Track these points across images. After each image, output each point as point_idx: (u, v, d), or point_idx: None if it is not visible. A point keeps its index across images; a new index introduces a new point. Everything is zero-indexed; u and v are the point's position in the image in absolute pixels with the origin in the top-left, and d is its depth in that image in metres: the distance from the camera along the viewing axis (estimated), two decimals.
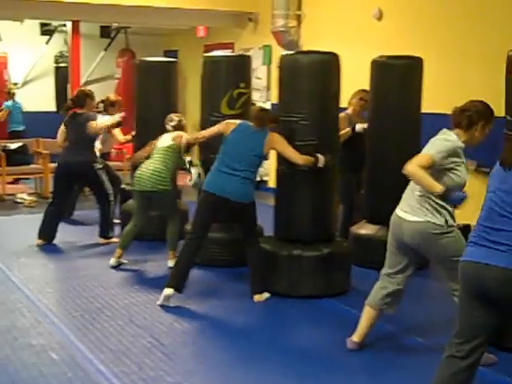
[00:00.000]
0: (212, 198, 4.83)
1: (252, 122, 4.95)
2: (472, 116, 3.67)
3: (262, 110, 5.16)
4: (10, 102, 10.72)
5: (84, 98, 6.52)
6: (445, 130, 3.75)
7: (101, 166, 6.56)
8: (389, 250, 4.00)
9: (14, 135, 10.26)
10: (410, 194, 3.81)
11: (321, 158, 4.90)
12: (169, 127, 5.88)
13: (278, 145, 4.89)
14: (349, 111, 6.33)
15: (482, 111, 3.70)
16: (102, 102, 7.69)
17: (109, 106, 7.49)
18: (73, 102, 6.59)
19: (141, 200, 5.78)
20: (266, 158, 4.99)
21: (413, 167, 3.58)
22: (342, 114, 6.20)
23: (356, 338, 4.07)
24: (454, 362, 2.94)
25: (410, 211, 3.77)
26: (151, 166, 5.66)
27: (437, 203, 3.66)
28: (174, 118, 5.91)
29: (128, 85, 9.58)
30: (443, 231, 3.68)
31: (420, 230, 3.72)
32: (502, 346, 3.99)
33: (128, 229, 5.87)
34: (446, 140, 3.68)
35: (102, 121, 6.62)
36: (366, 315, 4.05)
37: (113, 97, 7.77)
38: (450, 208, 3.69)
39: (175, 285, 4.81)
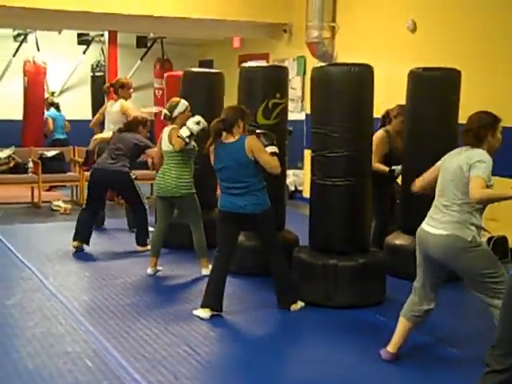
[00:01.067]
0: (227, 214, 4.81)
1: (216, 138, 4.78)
2: (477, 133, 3.73)
3: (216, 121, 4.80)
4: (51, 112, 10.89)
5: (137, 125, 6.69)
6: (480, 152, 3.72)
7: (134, 176, 6.64)
8: (418, 265, 3.97)
9: (57, 144, 10.40)
10: (439, 208, 3.77)
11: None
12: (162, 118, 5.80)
13: (254, 151, 4.67)
14: (389, 128, 6.23)
15: (484, 123, 3.75)
16: (111, 85, 7.86)
17: (119, 89, 7.66)
18: (126, 128, 6.74)
19: (164, 205, 5.79)
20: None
21: (480, 193, 3.55)
22: (380, 134, 6.14)
23: (391, 348, 4.04)
24: (494, 376, 2.89)
25: (436, 225, 3.74)
26: (171, 172, 5.63)
27: (466, 219, 3.65)
28: (162, 112, 5.81)
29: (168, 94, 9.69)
30: (470, 246, 3.65)
31: (446, 243, 3.68)
32: None
33: (154, 237, 5.90)
34: (488, 162, 3.65)
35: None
36: (401, 326, 4.03)
37: (123, 79, 7.95)
38: (480, 225, 3.66)
39: (211, 305, 4.79)
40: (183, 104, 5.75)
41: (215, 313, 4.78)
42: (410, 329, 4.01)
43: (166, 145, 5.69)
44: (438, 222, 3.74)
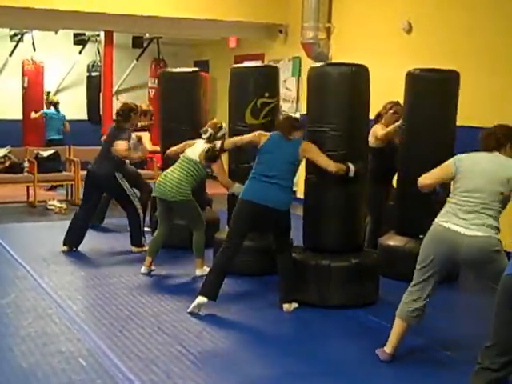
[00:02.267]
0: (250, 206, 4.84)
1: (280, 132, 4.97)
2: (500, 138, 3.76)
3: (288, 118, 5.20)
4: (49, 110, 10.87)
5: (129, 112, 6.60)
6: (505, 158, 3.78)
7: (122, 176, 6.61)
8: (423, 263, 3.94)
9: (51, 145, 10.37)
10: (468, 210, 3.75)
11: (351, 167, 4.89)
12: (204, 137, 5.74)
13: (310, 153, 4.91)
14: (384, 123, 6.25)
15: (508, 133, 3.78)
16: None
17: (141, 115, 7.59)
18: (118, 116, 6.66)
19: (163, 207, 5.81)
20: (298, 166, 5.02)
21: None
22: (377, 125, 6.23)
23: (388, 349, 4.07)
24: (487, 373, 2.92)
25: (470, 227, 3.71)
26: (174, 175, 5.65)
27: (496, 225, 3.70)
28: (207, 130, 5.73)
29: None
30: (500, 249, 3.71)
31: (482, 245, 3.69)
32: None
33: (155, 237, 5.93)
34: None
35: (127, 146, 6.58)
36: (397, 327, 4.05)
37: (144, 106, 7.90)
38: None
39: (208, 293, 4.82)
40: (224, 129, 5.76)
41: (210, 300, 4.80)
42: (405, 329, 4.03)
43: (194, 153, 5.66)
44: (470, 223, 3.71)
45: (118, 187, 6.56)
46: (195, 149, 5.70)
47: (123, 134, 6.50)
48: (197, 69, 7.43)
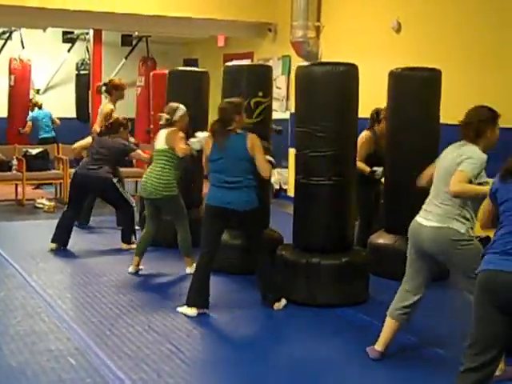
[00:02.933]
0: (215, 210, 4.81)
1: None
2: (477, 127, 3.74)
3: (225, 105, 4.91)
4: (34, 113, 10.84)
5: (118, 127, 6.66)
6: (471, 148, 3.75)
7: (116, 180, 6.65)
8: (408, 260, 3.99)
9: (43, 143, 10.33)
10: (433, 202, 3.81)
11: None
12: (162, 123, 5.74)
13: (255, 149, 4.72)
14: (376, 129, 6.26)
15: (484, 118, 3.76)
16: (105, 85, 7.83)
17: (112, 90, 7.65)
18: (107, 130, 6.73)
19: (149, 206, 5.80)
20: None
21: (457, 187, 3.60)
22: (366, 134, 6.19)
23: (379, 347, 4.09)
24: (468, 375, 2.93)
25: (431, 218, 3.78)
26: (154, 172, 5.64)
27: (460, 214, 3.68)
28: (162, 117, 5.71)
29: (150, 92, 9.71)
30: (463, 238, 3.69)
31: (440, 235, 3.72)
32: None
33: (142, 236, 5.91)
34: (478, 158, 3.68)
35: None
36: (388, 325, 4.07)
37: (116, 80, 7.93)
38: (473, 219, 3.70)
39: (197, 303, 4.82)
40: (182, 109, 5.74)
41: (201, 311, 4.80)
42: (396, 327, 4.05)
43: (160, 144, 5.67)
44: (431, 215, 3.78)
45: (113, 190, 6.59)
46: (160, 139, 5.68)
47: (126, 143, 6.63)
48: (205, 69, 7.40)
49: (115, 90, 7.71)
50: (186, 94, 6.65)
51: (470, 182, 3.63)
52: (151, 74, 9.64)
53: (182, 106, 5.75)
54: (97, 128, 7.29)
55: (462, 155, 3.70)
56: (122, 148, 6.61)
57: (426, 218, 3.82)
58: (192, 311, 4.78)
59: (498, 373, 3.66)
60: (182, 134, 5.61)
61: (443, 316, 4.96)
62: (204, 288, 4.85)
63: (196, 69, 7.44)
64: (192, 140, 5.37)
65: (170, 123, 5.68)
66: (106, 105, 7.71)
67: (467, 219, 3.70)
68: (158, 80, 8.81)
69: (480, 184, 3.66)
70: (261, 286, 5.03)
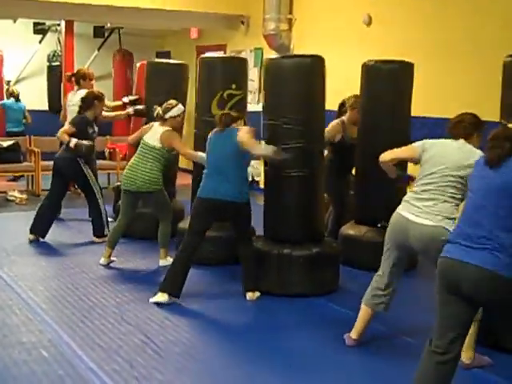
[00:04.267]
0: (206, 202, 4.89)
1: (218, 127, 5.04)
2: (467, 127, 3.79)
3: (224, 114, 5.15)
4: (7, 101, 10.68)
5: (92, 100, 6.58)
6: (471, 148, 3.77)
7: (84, 161, 6.57)
8: (386, 250, 4.03)
9: (10, 136, 10.19)
10: (422, 197, 3.78)
11: (271, 151, 4.92)
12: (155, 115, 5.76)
13: (244, 141, 4.84)
14: (344, 119, 6.31)
15: (476, 122, 3.83)
16: (73, 75, 7.78)
17: (80, 79, 7.62)
18: (82, 103, 6.65)
19: (131, 199, 5.80)
20: (249, 155, 4.98)
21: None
22: (334, 122, 6.27)
23: (354, 335, 4.18)
24: (433, 356, 3.01)
25: (420, 214, 3.75)
26: (142, 167, 5.64)
27: (452, 212, 3.70)
28: (156, 109, 5.74)
29: (124, 84, 9.64)
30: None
31: (431, 233, 3.69)
32: (497, 346, 4.04)
33: (116, 228, 5.89)
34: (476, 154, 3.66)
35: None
36: (363, 314, 4.15)
37: (84, 69, 7.89)
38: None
39: (171, 289, 4.85)
40: (179, 109, 5.73)
41: (172, 299, 4.83)
42: (371, 316, 4.14)
43: (152, 139, 5.65)
44: (421, 212, 3.74)
45: (80, 173, 6.51)
46: (154, 135, 5.67)
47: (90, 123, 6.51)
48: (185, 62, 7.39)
49: (83, 80, 7.67)
50: (166, 87, 6.66)
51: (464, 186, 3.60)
52: (137, 65, 9.55)
53: (180, 106, 5.76)
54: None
55: (469, 160, 3.60)
56: (77, 117, 6.50)
57: (414, 214, 3.77)
58: (163, 297, 4.81)
59: (467, 361, 3.78)
60: (177, 135, 5.69)
61: (412, 305, 5.03)
62: (180, 277, 4.87)
63: (175, 61, 7.39)
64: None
65: (161, 118, 5.68)
66: (76, 93, 7.65)
67: (454, 219, 3.68)
68: (143, 71, 8.74)
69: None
70: (244, 274, 5.09)
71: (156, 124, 5.74)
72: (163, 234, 5.83)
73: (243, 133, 4.87)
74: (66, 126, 6.63)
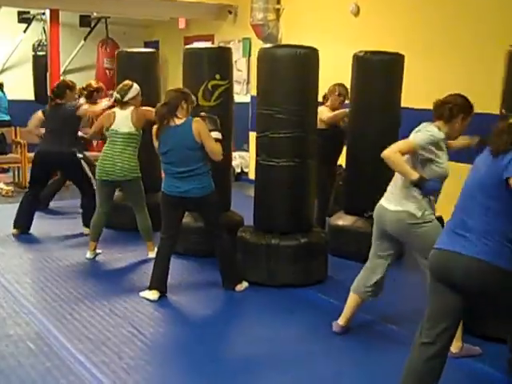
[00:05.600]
0: (171, 198, 4.80)
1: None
2: (453, 108, 3.76)
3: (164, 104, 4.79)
4: None
5: (64, 89, 6.48)
6: (426, 124, 3.82)
7: (81, 156, 6.53)
8: (373, 239, 4.09)
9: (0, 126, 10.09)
10: (394, 183, 3.90)
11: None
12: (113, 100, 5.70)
13: (201, 135, 4.66)
14: (327, 106, 6.31)
15: (462, 104, 3.80)
16: (84, 89, 7.68)
17: (93, 93, 7.52)
18: (53, 93, 6.54)
19: (108, 189, 5.72)
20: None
21: (390, 152, 3.66)
22: (324, 108, 6.29)
23: (341, 321, 4.21)
24: (423, 349, 3.01)
25: (392, 200, 3.86)
26: (120, 155, 5.56)
27: (412, 195, 3.75)
28: (113, 94, 5.67)
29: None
30: (419, 221, 3.77)
31: (398, 219, 3.81)
32: (486, 336, 4.06)
33: (97, 219, 5.80)
34: (427, 131, 3.75)
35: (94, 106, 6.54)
36: (351, 301, 4.19)
37: (94, 83, 7.79)
38: (431, 198, 3.78)
39: (160, 287, 4.83)
40: (135, 88, 5.67)
41: (161, 294, 4.82)
42: (359, 303, 4.18)
43: (125, 126, 5.57)
44: (392, 197, 3.87)
45: (77, 166, 6.45)
46: (122, 120, 5.57)
47: (76, 105, 6.43)
48: (153, 50, 7.34)
49: (96, 93, 7.54)
50: (135, 76, 6.60)
51: (415, 152, 3.67)
52: (116, 53, 9.48)
53: (135, 86, 5.67)
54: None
55: (417, 129, 3.76)
56: (72, 111, 6.38)
57: (388, 201, 3.90)
58: (154, 295, 4.79)
59: (455, 350, 3.80)
60: (145, 109, 5.57)
61: (397, 294, 5.04)
62: (165, 272, 4.86)
63: (144, 49, 7.31)
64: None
65: (121, 102, 5.61)
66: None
67: (424, 198, 3.75)
68: None
69: (428, 160, 3.69)
70: (221, 268, 5.06)
71: (117, 110, 5.65)
72: (144, 227, 5.78)
73: (200, 124, 4.71)
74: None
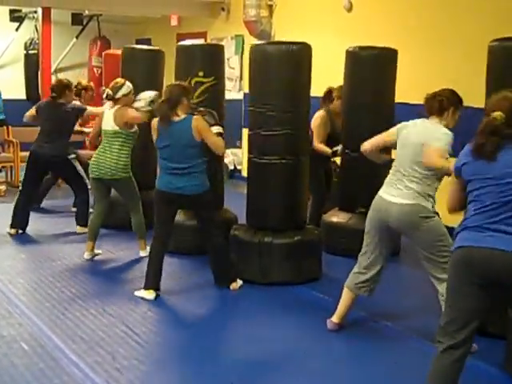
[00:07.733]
0: (165, 195, 4.78)
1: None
2: (443, 101, 3.79)
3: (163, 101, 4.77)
4: None
5: (64, 89, 6.43)
6: (430, 123, 3.81)
7: (74, 157, 6.52)
8: (368, 234, 4.04)
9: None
10: (398, 179, 3.85)
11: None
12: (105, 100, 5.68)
13: (202, 132, 4.64)
14: (330, 108, 6.29)
15: (452, 97, 3.83)
16: (75, 87, 7.65)
17: (81, 91, 7.50)
18: (53, 93, 6.48)
19: (100, 186, 5.70)
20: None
21: (438, 161, 3.65)
22: (322, 114, 6.23)
23: (336, 319, 4.19)
24: (449, 353, 2.91)
25: (399, 195, 3.82)
26: (110, 154, 5.53)
27: (427, 192, 3.76)
28: (104, 91, 5.64)
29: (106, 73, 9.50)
30: (430, 215, 3.78)
31: (411, 211, 3.77)
32: (482, 332, 4.03)
33: (93, 218, 5.80)
34: (445, 134, 3.74)
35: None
36: (345, 297, 4.16)
37: (84, 82, 7.78)
38: (435, 197, 3.80)
39: (156, 286, 4.81)
40: (128, 86, 5.64)
41: (157, 293, 4.80)
42: (353, 299, 4.16)
43: (109, 125, 5.56)
44: (399, 192, 3.82)
45: (70, 167, 6.45)
46: (108, 119, 5.55)
47: (79, 109, 6.41)
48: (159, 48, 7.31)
49: (85, 92, 7.56)
50: (141, 73, 6.58)
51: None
52: (103, 53, 9.47)
53: (128, 84, 5.65)
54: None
55: (434, 134, 3.72)
56: (71, 112, 6.37)
57: (394, 195, 3.84)
58: (150, 294, 4.77)
59: None
60: (128, 108, 5.51)
61: (393, 291, 5.04)
62: (159, 271, 4.84)
63: (150, 47, 7.30)
64: (137, 104, 5.29)
65: (112, 99, 5.58)
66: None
67: (431, 196, 3.79)
68: (109, 60, 8.65)
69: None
70: (214, 267, 5.04)
71: (106, 109, 5.64)
72: (138, 225, 5.77)
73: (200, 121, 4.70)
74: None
